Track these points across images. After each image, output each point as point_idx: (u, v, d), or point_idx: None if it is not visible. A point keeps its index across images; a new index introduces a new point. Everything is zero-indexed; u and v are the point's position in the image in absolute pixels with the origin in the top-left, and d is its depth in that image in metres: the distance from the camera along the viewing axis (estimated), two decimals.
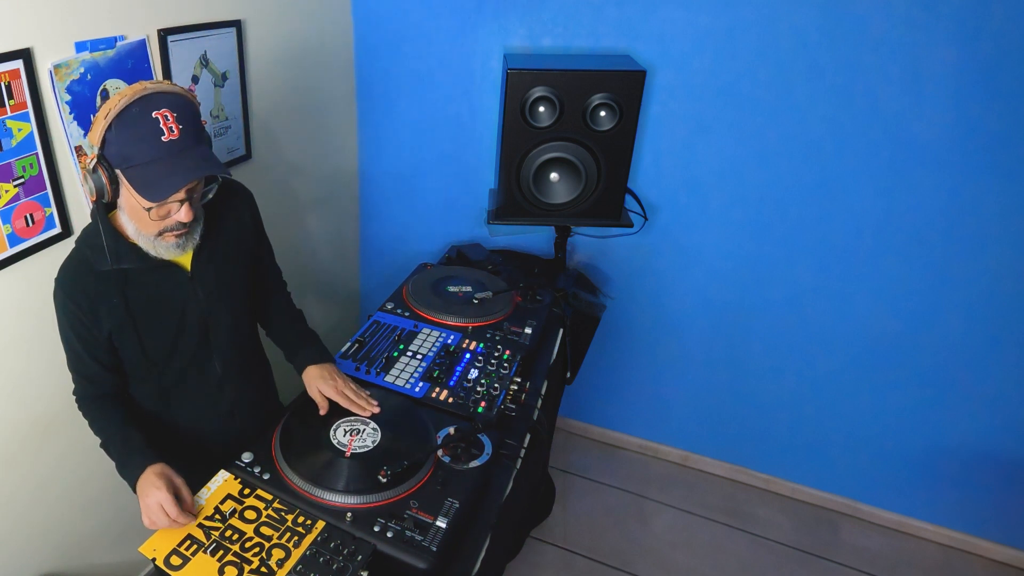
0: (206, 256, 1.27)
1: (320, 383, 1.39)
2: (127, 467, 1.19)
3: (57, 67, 1.33)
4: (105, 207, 1.16)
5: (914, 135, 1.91)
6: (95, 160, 1.07)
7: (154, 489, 1.12)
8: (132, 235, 1.17)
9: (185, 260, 1.25)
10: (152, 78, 1.56)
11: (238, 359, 1.41)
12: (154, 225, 1.13)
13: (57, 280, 1.19)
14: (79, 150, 1.43)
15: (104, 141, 1.06)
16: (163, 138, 1.05)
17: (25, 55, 1.27)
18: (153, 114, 1.04)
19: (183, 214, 1.12)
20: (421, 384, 1.54)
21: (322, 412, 1.38)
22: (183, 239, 1.17)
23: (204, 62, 1.72)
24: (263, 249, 1.46)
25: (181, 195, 1.10)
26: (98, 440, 1.26)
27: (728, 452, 2.63)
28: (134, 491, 1.17)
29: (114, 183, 1.09)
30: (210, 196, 1.19)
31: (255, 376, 1.53)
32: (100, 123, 1.06)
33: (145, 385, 1.33)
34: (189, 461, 1.28)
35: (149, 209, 1.09)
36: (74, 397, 1.29)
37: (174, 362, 1.30)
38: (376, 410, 1.38)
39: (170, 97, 1.07)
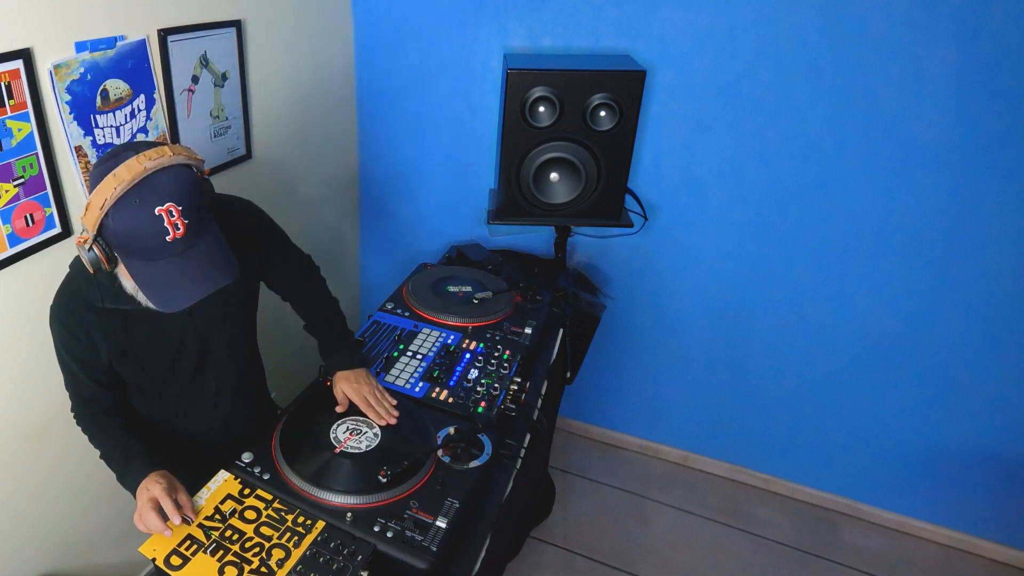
0: None
1: (344, 385, 1.40)
2: (128, 475, 1.19)
3: (57, 67, 1.33)
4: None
5: (914, 135, 1.91)
6: (91, 241, 1.00)
7: (154, 484, 1.13)
8: (130, 291, 1.10)
9: None
10: (152, 78, 1.57)
11: (234, 375, 1.41)
12: None
13: (53, 309, 1.16)
14: (79, 150, 1.43)
15: (101, 227, 0.98)
16: (167, 238, 0.97)
17: (25, 55, 1.27)
18: (156, 211, 0.96)
19: None
20: (421, 384, 1.54)
21: (338, 409, 1.38)
22: None
23: (204, 62, 1.72)
24: (271, 253, 1.41)
25: None
26: (98, 452, 1.26)
27: (728, 452, 2.63)
28: (135, 497, 1.17)
29: (112, 261, 1.02)
30: None
31: (250, 389, 1.52)
32: (95, 212, 0.96)
33: (142, 403, 1.34)
34: (186, 468, 1.28)
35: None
36: (72, 414, 1.29)
37: (172, 384, 1.31)
38: (392, 421, 1.36)
39: (172, 181, 0.98)
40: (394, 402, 1.41)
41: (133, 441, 1.23)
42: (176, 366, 1.28)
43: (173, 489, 1.14)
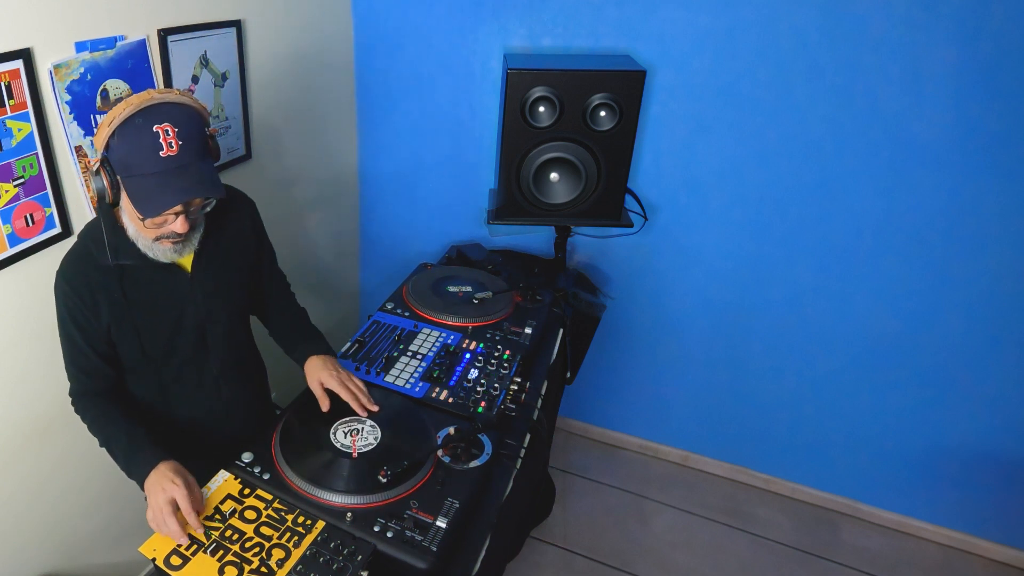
0: (206, 259, 1.28)
1: (322, 374, 1.38)
2: (135, 463, 1.19)
3: (57, 67, 1.33)
4: (109, 204, 1.17)
5: (914, 135, 1.91)
6: (98, 164, 1.09)
7: (171, 484, 1.12)
8: (131, 235, 1.18)
9: (186, 261, 1.26)
10: (152, 78, 1.57)
11: (235, 360, 1.42)
12: (150, 232, 1.15)
13: (59, 271, 1.20)
14: (79, 150, 1.43)
15: (107, 147, 1.08)
16: (161, 153, 1.06)
17: (25, 55, 1.27)
18: (154, 128, 1.05)
19: (178, 226, 1.13)
20: (421, 384, 1.54)
21: (323, 408, 1.36)
22: (179, 246, 1.19)
23: (204, 62, 1.72)
24: (264, 256, 1.46)
25: (177, 208, 1.11)
26: (97, 440, 1.26)
27: (728, 452, 2.63)
28: (142, 488, 1.16)
29: (115, 188, 1.11)
30: (208, 209, 1.19)
31: (251, 378, 1.53)
32: (104, 129, 1.07)
33: (143, 381, 1.33)
34: (185, 457, 1.28)
35: (143, 219, 1.10)
36: (70, 398, 1.29)
37: (172, 360, 1.31)
38: (374, 409, 1.38)
39: (175, 109, 1.08)
40: (363, 387, 1.40)
41: (136, 427, 1.23)
42: (175, 339, 1.29)
43: (190, 488, 1.14)
